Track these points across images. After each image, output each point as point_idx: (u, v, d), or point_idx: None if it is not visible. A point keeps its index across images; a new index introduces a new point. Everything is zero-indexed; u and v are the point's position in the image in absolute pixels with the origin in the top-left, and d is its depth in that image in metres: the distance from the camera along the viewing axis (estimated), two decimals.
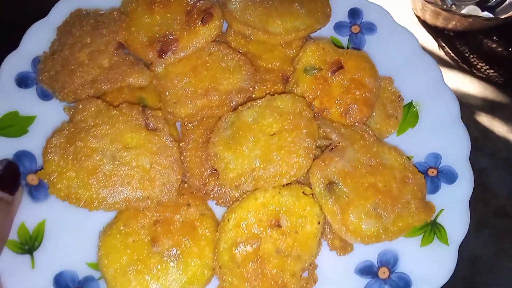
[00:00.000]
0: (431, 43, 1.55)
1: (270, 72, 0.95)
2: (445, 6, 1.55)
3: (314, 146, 0.79)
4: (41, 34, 0.90)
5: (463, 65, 1.49)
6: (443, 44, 1.52)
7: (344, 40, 1.03)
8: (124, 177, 0.78)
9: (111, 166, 0.78)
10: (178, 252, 0.77)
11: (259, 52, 0.96)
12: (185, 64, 0.90)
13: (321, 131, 0.85)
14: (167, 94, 0.88)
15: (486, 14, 1.56)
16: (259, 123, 0.81)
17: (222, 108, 0.86)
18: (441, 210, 0.83)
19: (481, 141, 1.28)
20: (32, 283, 0.74)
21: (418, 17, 1.62)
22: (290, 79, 0.92)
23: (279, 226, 0.76)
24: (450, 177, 0.86)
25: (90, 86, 0.84)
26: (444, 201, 0.84)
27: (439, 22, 1.52)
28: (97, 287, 0.77)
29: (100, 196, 0.76)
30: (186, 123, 0.90)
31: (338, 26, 1.03)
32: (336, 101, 0.88)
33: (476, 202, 1.19)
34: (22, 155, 0.83)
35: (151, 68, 0.90)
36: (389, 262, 0.80)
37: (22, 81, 0.87)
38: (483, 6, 1.58)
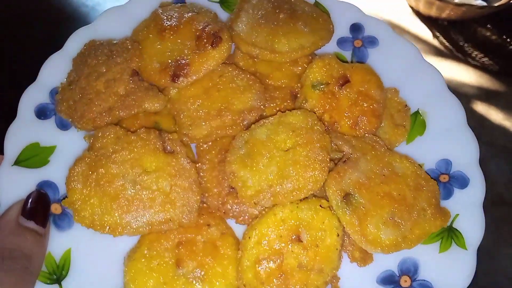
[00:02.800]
0: (425, 33, 1.53)
1: (278, 89, 0.98)
2: None
3: (328, 159, 0.81)
4: (57, 66, 0.93)
5: (458, 54, 1.48)
6: (437, 34, 1.51)
7: (347, 54, 1.06)
8: (145, 201, 0.80)
9: (133, 190, 0.80)
10: (202, 272, 0.79)
11: (267, 71, 1.00)
12: (197, 87, 0.93)
13: (332, 145, 0.88)
14: (181, 117, 0.90)
15: (479, 2, 1.54)
16: (272, 139, 0.84)
17: (235, 128, 0.89)
18: (457, 215, 0.85)
19: (477, 130, 1.28)
20: None
21: (411, 7, 1.62)
22: (299, 95, 0.95)
23: (300, 240, 0.77)
24: (462, 182, 0.88)
25: (108, 113, 0.87)
26: (458, 206, 0.86)
27: (433, 12, 1.51)
28: None
29: (123, 221, 0.78)
30: (201, 144, 0.93)
31: (341, 42, 1.07)
32: (345, 114, 0.90)
33: None
34: (45, 185, 0.85)
35: (164, 92, 0.93)
36: (410, 270, 0.82)
37: (41, 113, 0.90)
38: None
